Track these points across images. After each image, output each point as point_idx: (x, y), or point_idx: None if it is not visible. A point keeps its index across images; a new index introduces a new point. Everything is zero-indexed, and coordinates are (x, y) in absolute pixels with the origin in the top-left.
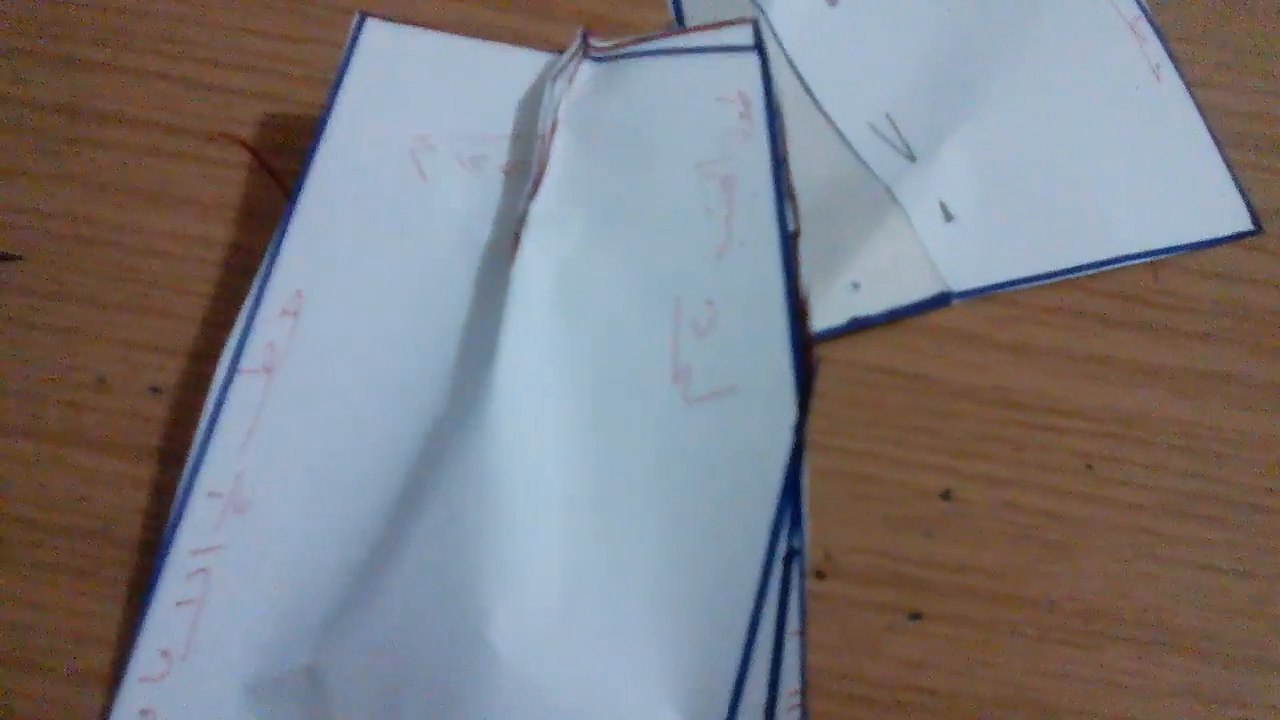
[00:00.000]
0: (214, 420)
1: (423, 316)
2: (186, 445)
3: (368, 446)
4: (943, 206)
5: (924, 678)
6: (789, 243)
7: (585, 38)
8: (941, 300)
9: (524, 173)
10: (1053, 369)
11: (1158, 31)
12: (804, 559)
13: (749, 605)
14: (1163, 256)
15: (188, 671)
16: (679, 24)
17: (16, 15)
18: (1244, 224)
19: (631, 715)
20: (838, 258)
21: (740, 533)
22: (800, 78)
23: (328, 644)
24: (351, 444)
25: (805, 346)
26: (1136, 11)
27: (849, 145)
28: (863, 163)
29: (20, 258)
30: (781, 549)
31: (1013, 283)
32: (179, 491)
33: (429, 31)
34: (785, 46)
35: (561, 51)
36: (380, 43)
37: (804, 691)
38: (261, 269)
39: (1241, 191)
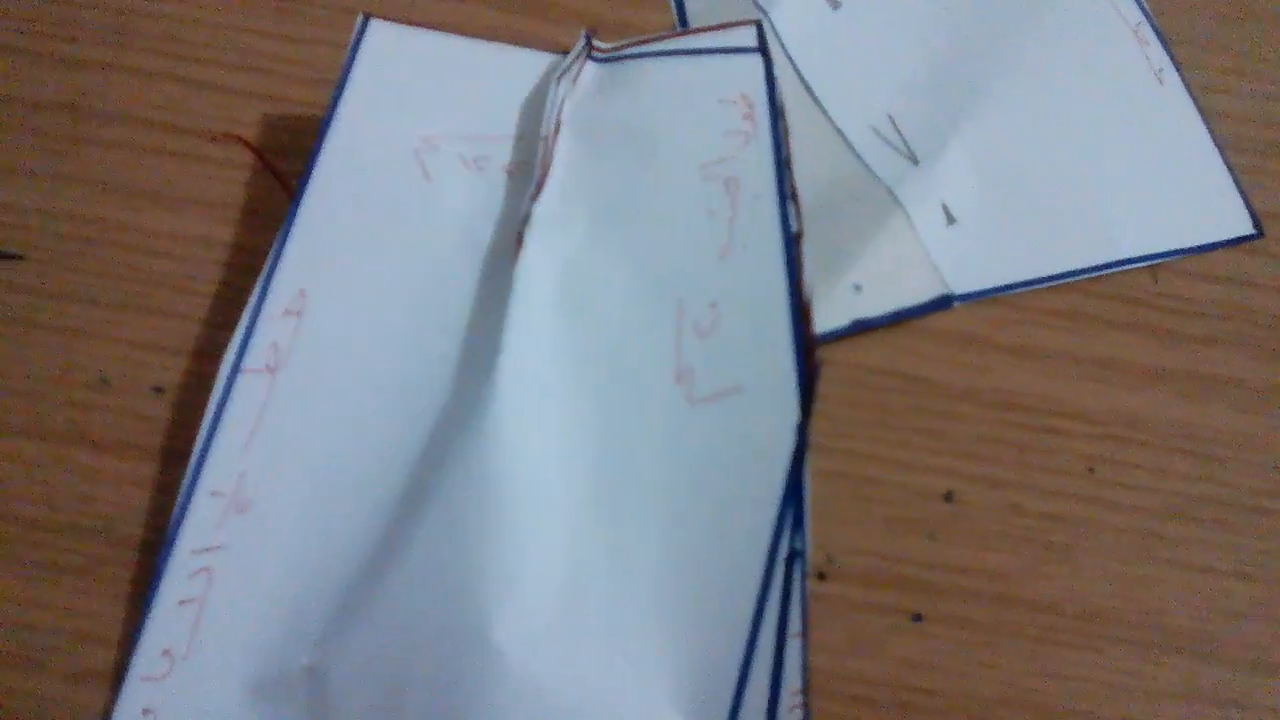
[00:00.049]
0: (217, 420)
1: (425, 316)
2: (189, 445)
3: (370, 446)
4: (945, 209)
5: (925, 679)
6: (792, 244)
7: (589, 39)
8: (943, 302)
9: (527, 173)
10: (1054, 371)
11: (1160, 36)
12: (806, 560)
13: (751, 606)
14: (1164, 260)
15: (189, 671)
16: (682, 25)
17: (20, 15)
18: (1245, 228)
19: (633, 715)
20: (840, 260)
21: (742, 534)
22: (803, 80)
23: (329, 643)
24: (354, 444)
25: (808, 348)
26: (1139, 16)
27: (851, 147)
28: (865, 165)
29: (23, 257)
30: (783, 550)
31: (1014, 285)
32: (181, 491)
33: (432, 32)
34: (788, 48)
35: (565, 52)
36: (384, 43)
37: (806, 692)
38: (265, 269)
39: (1243, 195)
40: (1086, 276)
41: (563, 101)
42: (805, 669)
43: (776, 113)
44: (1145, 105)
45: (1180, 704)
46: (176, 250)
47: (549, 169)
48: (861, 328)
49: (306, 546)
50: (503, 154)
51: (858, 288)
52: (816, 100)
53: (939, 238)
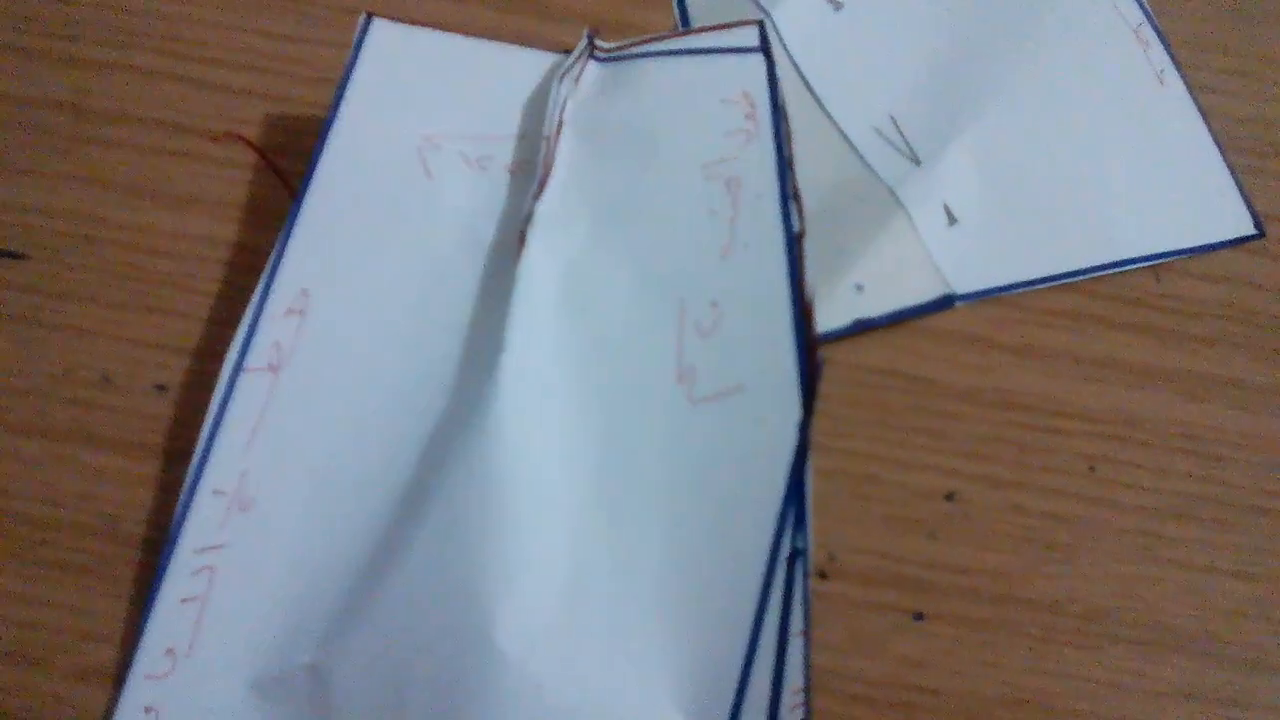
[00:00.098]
0: (219, 418)
1: (427, 315)
2: (191, 443)
3: (372, 445)
4: (946, 209)
5: (927, 678)
6: (794, 244)
7: (591, 39)
8: (945, 303)
9: (529, 173)
10: (1056, 371)
11: (1161, 37)
12: (808, 559)
13: (752, 605)
14: (1165, 260)
15: (192, 669)
16: (684, 25)
17: (23, 14)
18: (1246, 228)
19: (635, 715)
20: (841, 260)
21: (744, 533)
22: (805, 80)
23: (332, 642)
24: (356, 442)
25: (810, 348)
26: (1140, 17)
27: (853, 147)
28: (867, 165)
29: (25, 256)
30: (785, 549)
31: (1016, 285)
32: (184, 489)
33: (435, 31)
34: (790, 49)
35: (567, 52)
36: (386, 42)
37: (807, 691)
38: (267, 267)
39: (1244, 196)
40: (1088, 277)
41: (565, 101)
42: (807, 668)
43: (778, 113)
44: (1146, 106)
45: (1181, 703)
46: (179, 249)
47: (551, 168)
48: (863, 327)
49: (308, 545)
50: (505, 153)
51: (859, 288)
52: (818, 100)
53: (940, 238)
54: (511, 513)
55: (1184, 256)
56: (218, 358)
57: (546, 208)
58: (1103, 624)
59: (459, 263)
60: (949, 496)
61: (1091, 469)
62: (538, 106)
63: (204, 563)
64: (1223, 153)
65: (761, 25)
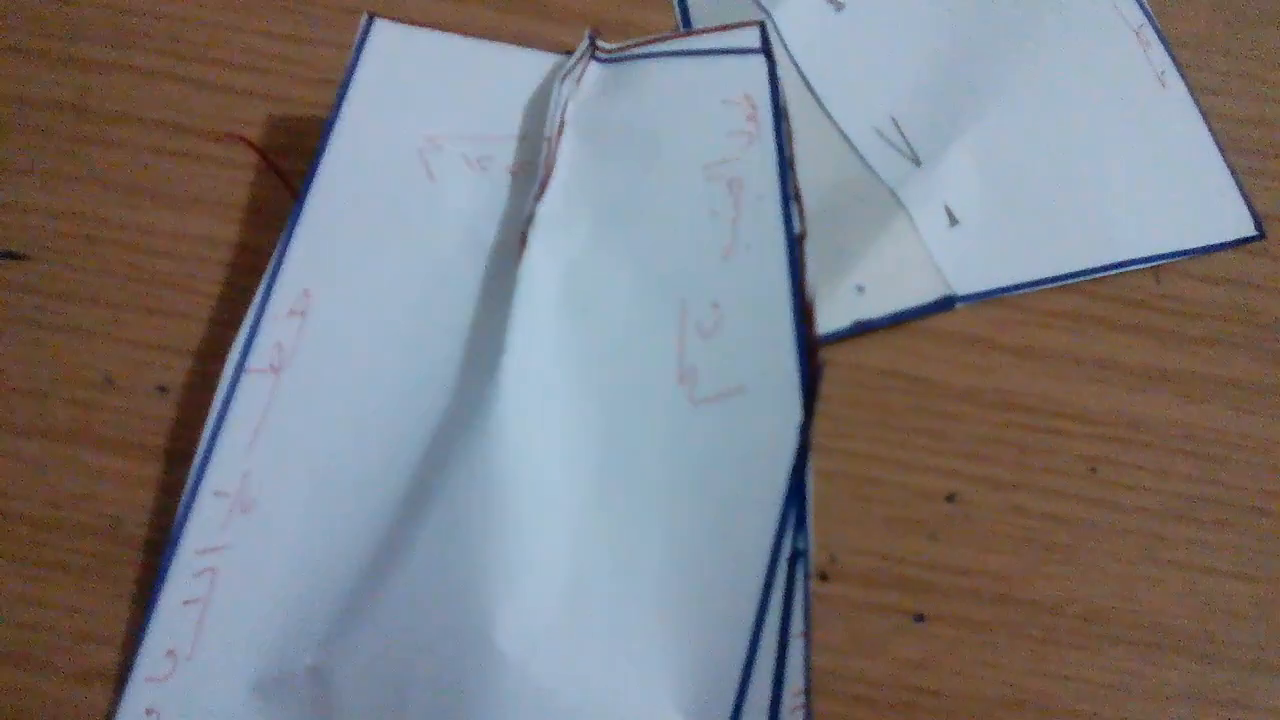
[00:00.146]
0: (221, 419)
1: (429, 316)
2: (193, 445)
3: (374, 446)
4: (947, 210)
5: (928, 679)
6: (795, 245)
7: (593, 39)
8: (946, 304)
9: (531, 173)
10: (1056, 372)
11: (1162, 38)
12: (808, 560)
13: (753, 606)
14: (1166, 261)
15: (193, 671)
16: (686, 26)
17: (24, 15)
18: (1247, 229)
19: (635, 716)
20: (842, 261)
21: (745, 534)
22: (806, 81)
23: (333, 644)
24: (357, 443)
25: (810, 349)
26: (1141, 18)
27: (854, 149)
28: (868, 166)
29: (27, 257)
30: (786, 550)
31: (1017, 286)
32: (186, 491)
33: (436, 32)
34: (791, 50)
35: (569, 53)
36: (388, 43)
37: (808, 692)
38: (269, 268)
39: (1245, 197)
40: (1088, 278)
41: (566, 102)
42: (808, 669)
43: (780, 114)
44: (1147, 107)
45: (1181, 704)
46: (180, 250)
47: (552, 169)
48: (864, 329)
49: (310, 546)
50: (506, 154)
51: (860, 289)
52: (819, 101)
53: (941, 239)
54: (513, 514)
55: (1185, 257)
56: (219, 358)
57: (548, 209)
58: (1103, 625)
59: (460, 264)
60: (950, 498)
61: (1092, 470)
62: (539, 107)
63: (206, 564)
64: (1223, 154)
65: (763, 26)
